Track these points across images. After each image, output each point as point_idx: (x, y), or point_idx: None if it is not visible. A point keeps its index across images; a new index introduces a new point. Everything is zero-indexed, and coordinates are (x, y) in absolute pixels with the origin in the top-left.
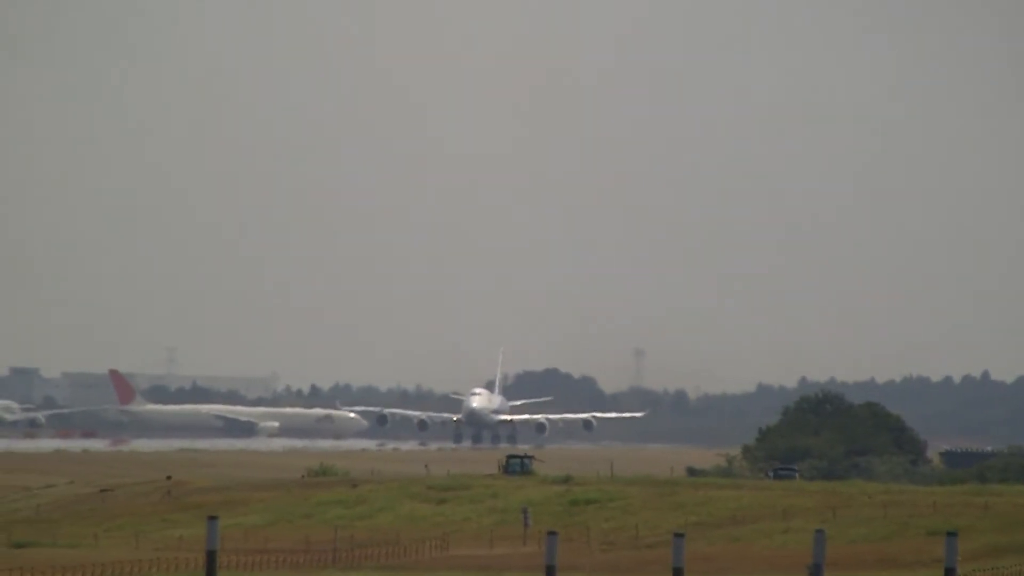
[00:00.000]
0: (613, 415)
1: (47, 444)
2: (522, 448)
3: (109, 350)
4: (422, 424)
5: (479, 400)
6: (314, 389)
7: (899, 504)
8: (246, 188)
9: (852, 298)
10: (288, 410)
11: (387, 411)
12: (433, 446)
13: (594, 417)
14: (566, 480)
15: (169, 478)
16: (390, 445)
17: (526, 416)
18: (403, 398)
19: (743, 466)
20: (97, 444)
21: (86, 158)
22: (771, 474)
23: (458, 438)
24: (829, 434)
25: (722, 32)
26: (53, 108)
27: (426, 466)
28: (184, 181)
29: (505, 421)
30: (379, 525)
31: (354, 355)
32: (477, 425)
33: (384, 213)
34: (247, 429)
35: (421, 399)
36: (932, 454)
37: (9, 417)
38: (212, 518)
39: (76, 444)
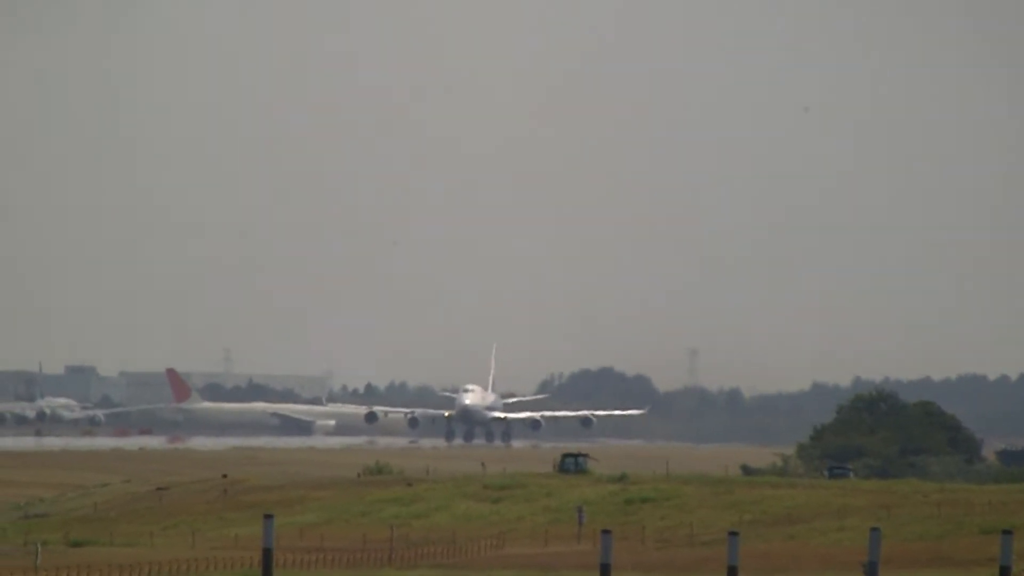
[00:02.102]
0: (617, 412)
1: (104, 442)
2: (517, 445)
3: (166, 349)
4: (413, 421)
5: (472, 397)
6: (369, 388)
7: (954, 503)
8: (301, 189)
9: (907, 297)
10: (336, 407)
11: (377, 408)
12: (425, 443)
13: (593, 415)
14: (621, 479)
15: (225, 476)
16: (381, 443)
17: (526, 414)
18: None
19: (798, 465)
20: (153, 442)
21: (139, 158)
22: (826, 473)
23: (450, 435)
24: (884, 433)
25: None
26: (104, 104)
27: (482, 464)
28: (239, 182)
29: (499, 418)
30: (435, 524)
31: (410, 354)
32: (469, 422)
33: (440, 213)
34: (303, 427)
35: None
36: (987, 453)
37: (69, 415)
38: (268, 516)
39: (133, 442)
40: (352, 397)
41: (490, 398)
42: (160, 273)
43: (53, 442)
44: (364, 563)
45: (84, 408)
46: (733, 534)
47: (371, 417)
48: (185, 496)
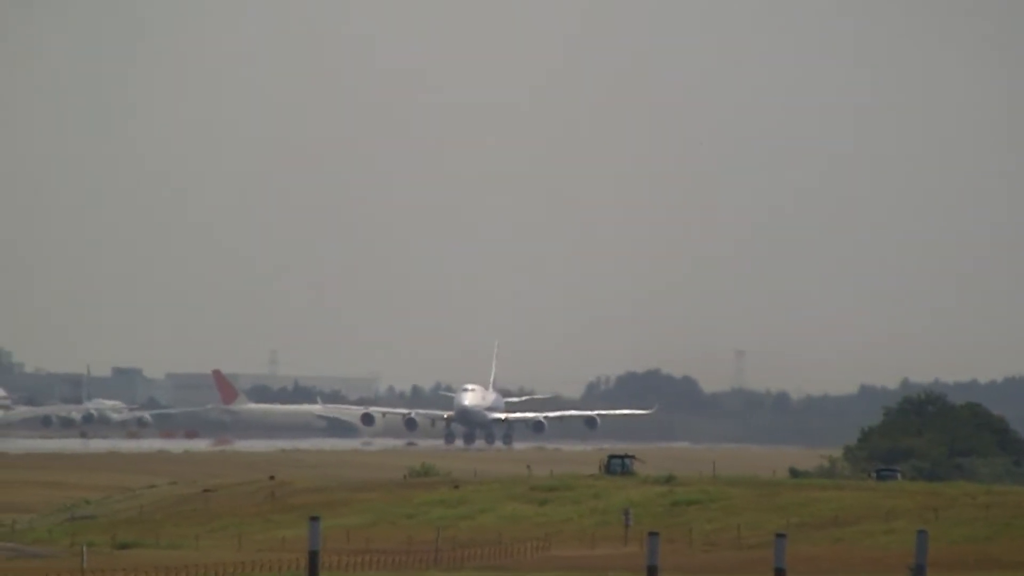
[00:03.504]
0: (626, 412)
1: (150, 444)
2: (520, 447)
3: (212, 351)
4: (410, 423)
5: (471, 397)
6: (416, 390)
7: (1002, 505)
8: (349, 188)
9: (955, 299)
10: (387, 407)
11: (373, 409)
12: (422, 445)
13: (599, 415)
14: (668, 480)
15: (272, 478)
16: (376, 445)
17: (530, 414)
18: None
19: (845, 467)
20: (199, 444)
21: (183, 162)
22: (873, 475)
23: (449, 438)
24: (931, 435)
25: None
26: (146, 107)
27: (528, 466)
28: (284, 185)
29: (499, 419)
30: (481, 525)
31: (456, 356)
32: (469, 424)
33: (490, 216)
34: (350, 429)
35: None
36: None
37: (116, 417)
38: (314, 519)
39: (178, 444)
40: (398, 400)
41: (491, 398)
42: (206, 275)
43: (99, 444)
44: (410, 565)
45: (131, 410)
46: (780, 536)
47: (367, 419)
48: (231, 498)
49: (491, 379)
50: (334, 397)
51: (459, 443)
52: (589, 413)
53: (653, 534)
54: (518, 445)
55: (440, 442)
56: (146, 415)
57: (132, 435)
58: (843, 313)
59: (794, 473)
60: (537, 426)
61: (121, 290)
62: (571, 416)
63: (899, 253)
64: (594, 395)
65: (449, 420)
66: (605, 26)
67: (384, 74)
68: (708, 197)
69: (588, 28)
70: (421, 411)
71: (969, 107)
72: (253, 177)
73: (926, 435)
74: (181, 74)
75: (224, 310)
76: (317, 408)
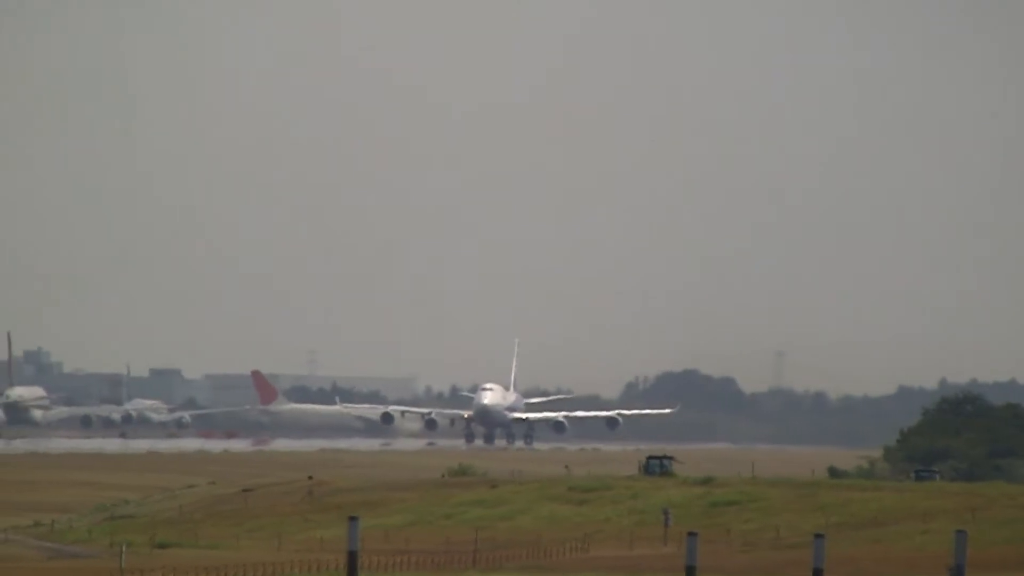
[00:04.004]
0: (647, 411)
1: (189, 444)
2: (541, 448)
3: (250, 352)
4: (430, 423)
5: (491, 396)
6: (454, 390)
7: None
8: (390, 190)
9: (993, 299)
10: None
11: (392, 408)
12: (442, 445)
13: (619, 415)
14: (707, 481)
15: (311, 478)
16: (394, 445)
17: (546, 414)
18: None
19: (884, 467)
20: (238, 444)
21: (223, 162)
22: (912, 475)
23: (470, 437)
24: (970, 436)
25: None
26: (173, 113)
27: (566, 467)
28: (318, 187)
29: (520, 419)
30: (520, 526)
31: (494, 356)
32: (489, 424)
33: (531, 216)
34: (385, 430)
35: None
36: None
37: (157, 417)
38: (353, 519)
39: (217, 444)
40: (437, 400)
41: (511, 398)
42: (245, 275)
43: (139, 444)
44: (449, 565)
45: (171, 411)
46: (819, 537)
47: (387, 418)
48: (270, 498)
49: (512, 379)
50: (372, 398)
51: (479, 443)
52: (610, 413)
53: (692, 534)
54: (539, 445)
55: (460, 442)
56: (186, 416)
57: (171, 435)
58: (881, 314)
59: (833, 473)
60: (558, 426)
61: (160, 291)
62: (592, 416)
63: (938, 254)
64: (632, 395)
65: (469, 420)
66: (609, 26)
67: (424, 75)
68: (749, 198)
69: (592, 29)
70: (442, 411)
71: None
72: (294, 180)
73: (964, 436)
74: (222, 88)
75: (263, 311)
76: (335, 408)
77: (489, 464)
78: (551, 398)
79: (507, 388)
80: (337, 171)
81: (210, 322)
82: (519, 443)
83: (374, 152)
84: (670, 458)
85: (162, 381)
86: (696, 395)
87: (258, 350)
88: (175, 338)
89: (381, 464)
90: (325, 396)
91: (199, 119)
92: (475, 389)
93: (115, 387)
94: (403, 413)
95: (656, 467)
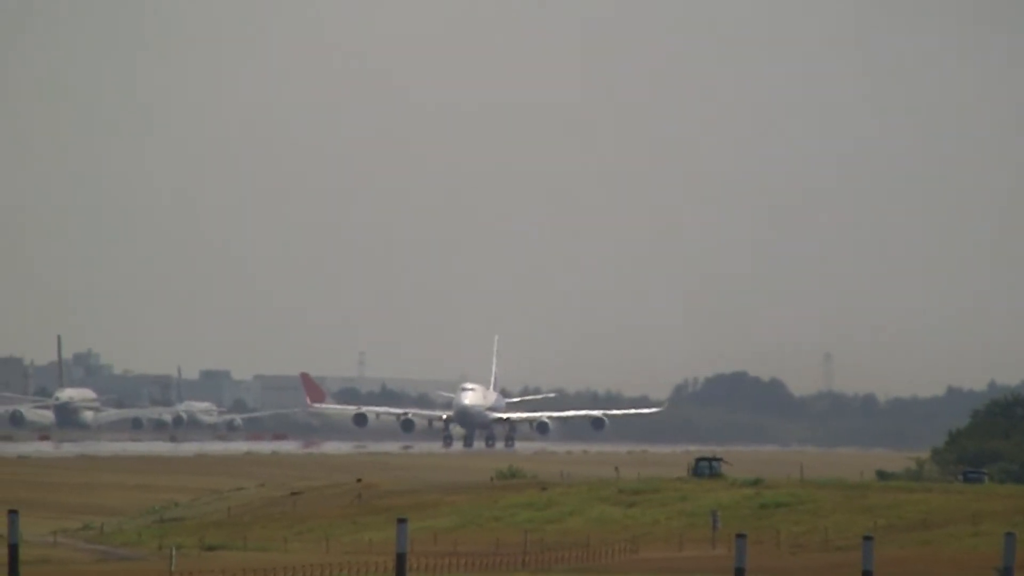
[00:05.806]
0: (632, 411)
1: (238, 446)
2: (523, 450)
3: (300, 353)
4: (407, 424)
5: (471, 396)
6: (503, 392)
7: None
8: (437, 193)
9: None
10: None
11: (367, 409)
12: (421, 448)
13: (605, 415)
14: (756, 483)
15: (359, 481)
16: (369, 448)
17: (532, 414)
18: (594, 400)
19: (932, 469)
20: (287, 446)
21: (280, 162)
22: (960, 477)
23: (448, 440)
24: (1020, 437)
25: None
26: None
27: (616, 468)
28: (367, 189)
29: (501, 419)
30: (569, 528)
31: (545, 358)
32: (469, 424)
33: (581, 217)
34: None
35: (609, 400)
36: None
37: (208, 419)
38: (402, 521)
39: (266, 446)
40: None
41: (492, 397)
42: (294, 278)
43: (188, 447)
44: (498, 568)
45: (221, 413)
46: (868, 539)
47: (360, 419)
48: (319, 501)
49: (492, 378)
50: (421, 400)
51: (458, 445)
52: (595, 413)
53: (741, 536)
54: (521, 446)
55: (437, 444)
56: (237, 418)
57: (220, 437)
58: (930, 315)
59: (882, 475)
60: (541, 427)
61: (209, 292)
62: (577, 416)
63: (984, 255)
64: (682, 396)
65: (448, 421)
66: (612, 26)
67: (451, 74)
68: (798, 201)
69: (593, 28)
70: (419, 411)
71: None
72: (346, 183)
73: (1014, 438)
74: (309, 95)
75: (313, 312)
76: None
77: (555, 466)
78: (532, 397)
79: (507, 388)
80: (393, 176)
81: (260, 323)
82: (499, 444)
83: (431, 155)
84: (719, 460)
85: (212, 383)
86: (745, 397)
87: (308, 352)
88: (225, 339)
89: (430, 467)
90: (375, 398)
91: (246, 128)
92: (525, 392)
93: (165, 389)
94: (378, 415)
95: (705, 469)
